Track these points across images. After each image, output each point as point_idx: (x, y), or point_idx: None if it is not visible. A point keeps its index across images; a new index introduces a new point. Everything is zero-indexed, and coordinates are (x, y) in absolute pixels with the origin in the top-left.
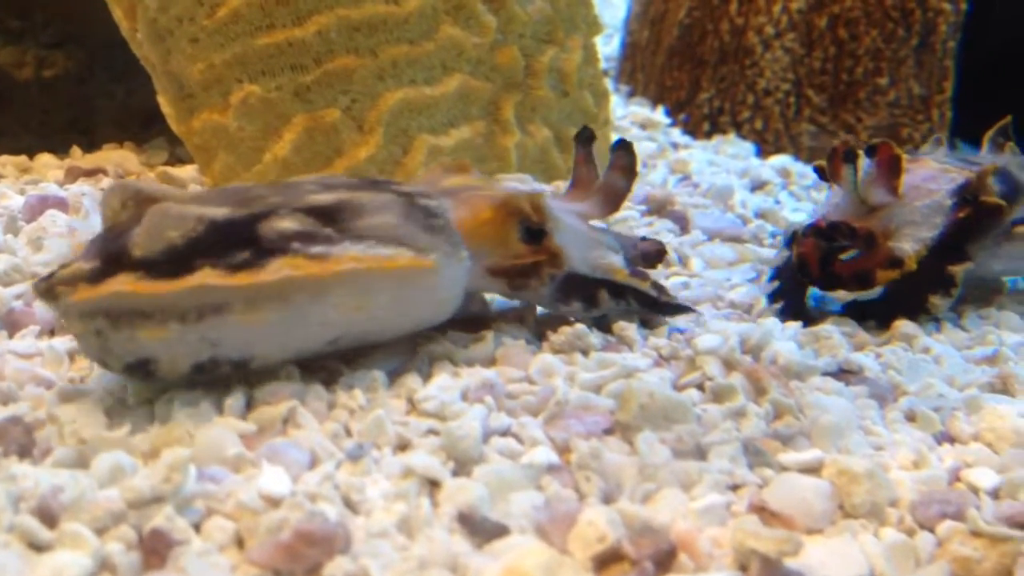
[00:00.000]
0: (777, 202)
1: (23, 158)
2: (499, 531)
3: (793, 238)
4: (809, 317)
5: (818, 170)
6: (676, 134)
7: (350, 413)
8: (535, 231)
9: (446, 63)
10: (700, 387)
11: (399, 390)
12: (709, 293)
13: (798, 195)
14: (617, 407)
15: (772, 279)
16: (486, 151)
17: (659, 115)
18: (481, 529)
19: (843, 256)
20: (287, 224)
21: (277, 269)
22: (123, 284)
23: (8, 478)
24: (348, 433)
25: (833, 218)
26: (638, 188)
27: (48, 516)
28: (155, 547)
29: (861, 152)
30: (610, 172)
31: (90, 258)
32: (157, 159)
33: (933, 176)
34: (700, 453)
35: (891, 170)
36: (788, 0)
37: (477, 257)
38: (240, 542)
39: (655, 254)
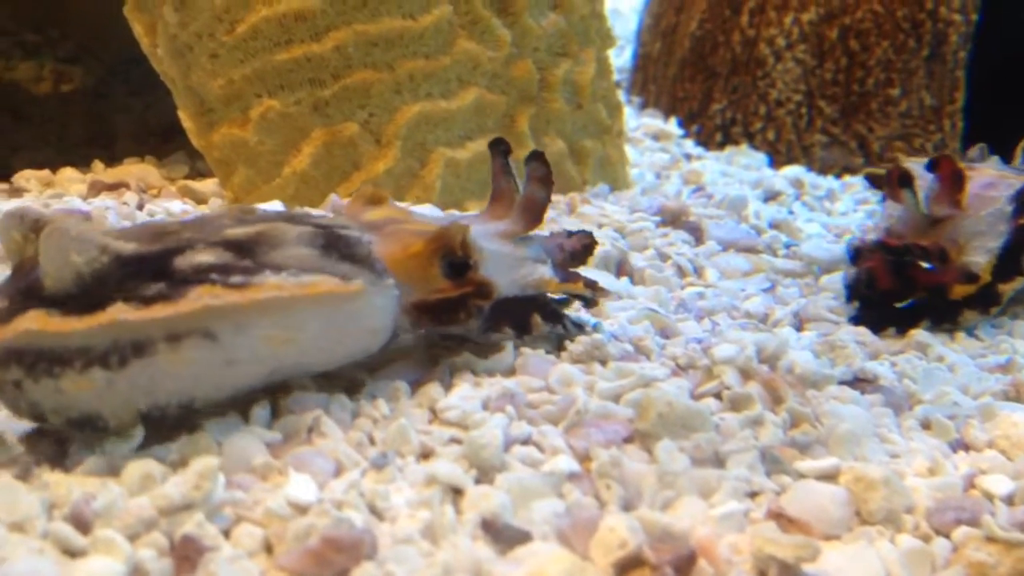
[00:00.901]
0: (790, 212)
1: (46, 172)
2: (522, 538)
3: (858, 254)
4: (904, 323)
5: (870, 179)
6: (689, 145)
7: (373, 422)
8: (458, 265)
9: (462, 77)
10: (718, 396)
11: (421, 400)
12: (724, 303)
13: (811, 205)
14: (636, 416)
15: (850, 300)
16: None
17: (672, 126)
18: (504, 536)
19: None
20: (203, 257)
21: (196, 298)
22: (33, 321)
23: (41, 486)
24: (372, 442)
25: (897, 231)
26: (652, 199)
27: (81, 523)
28: (186, 553)
29: (916, 173)
30: (528, 185)
31: (3, 294)
32: (177, 173)
33: (992, 183)
34: (718, 461)
35: (954, 184)
36: (799, 12)
37: (403, 293)
38: (269, 548)
39: (583, 250)
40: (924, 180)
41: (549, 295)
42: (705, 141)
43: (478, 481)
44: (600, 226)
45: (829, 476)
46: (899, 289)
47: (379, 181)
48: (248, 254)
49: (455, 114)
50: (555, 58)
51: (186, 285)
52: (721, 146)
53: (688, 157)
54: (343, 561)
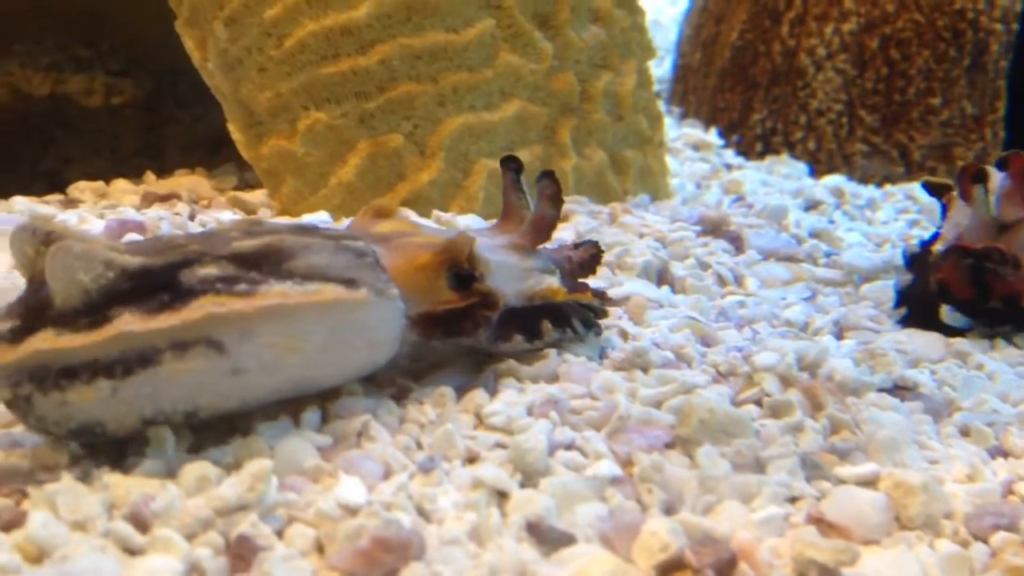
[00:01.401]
0: (831, 222)
1: (100, 183)
2: (566, 540)
3: (914, 260)
4: (951, 332)
5: (928, 187)
6: (729, 155)
7: (420, 427)
8: (464, 276)
9: (504, 89)
10: (758, 403)
11: (467, 405)
12: (765, 312)
13: (852, 215)
14: (677, 422)
15: (898, 305)
16: None
17: (712, 136)
18: (548, 538)
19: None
20: (209, 270)
21: (200, 306)
22: (42, 342)
23: (101, 487)
24: (419, 446)
25: (967, 238)
26: (693, 209)
27: (140, 522)
28: (241, 552)
29: (992, 171)
30: (539, 203)
31: (10, 316)
32: (227, 184)
33: None
34: (759, 466)
35: None
36: (840, 22)
37: (409, 305)
38: (320, 548)
39: (591, 260)
40: (991, 183)
41: (575, 302)
42: (745, 151)
43: (523, 485)
44: (641, 235)
45: (869, 482)
46: (977, 298)
47: (423, 191)
48: (255, 267)
49: (497, 126)
50: (596, 70)
51: (191, 295)
52: (761, 156)
53: (728, 167)
54: (392, 561)
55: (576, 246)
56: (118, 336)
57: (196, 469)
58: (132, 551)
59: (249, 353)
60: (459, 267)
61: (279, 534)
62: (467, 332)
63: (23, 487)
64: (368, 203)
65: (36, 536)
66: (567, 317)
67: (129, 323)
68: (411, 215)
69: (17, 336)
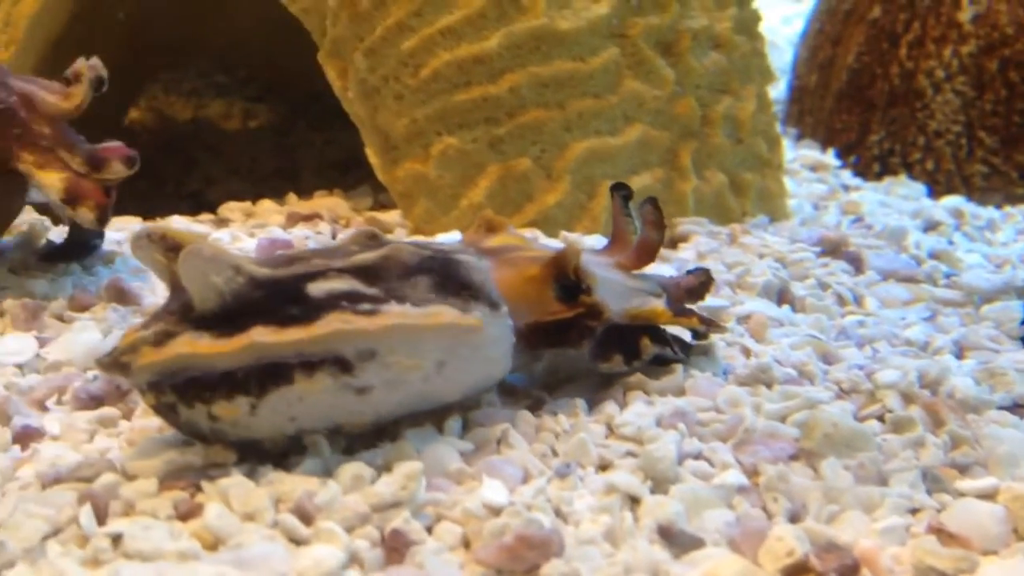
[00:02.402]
0: (950, 243)
1: (247, 203)
2: (695, 543)
3: None
4: None
5: None
6: (846, 176)
7: (555, 436)
8: (571, 287)
9: (628, 114)
10: (880, 418)
11: (598, 416)
12: (885, 331)
13: (972, 235)
14: (802, 435)
15: None
16: (665, 196)
17: (829, 157)
18: (679, 541)
19: None
20: (335, 284)
21: (328, 323)
22: (183, 346)
23: (267, 483)
24: (554, 453)
25: None
26: (812, 230)
27: (304, 515)
28: (395, 545)
29: None
30: (643, 227)
31: (156, 321)
32: (363, 204)
33: None
34: (881, 479)
35: None
36: (958, 44)
37: (517, 316)
38: (467, 544)
39: (700, 287)
40: None
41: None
42: (863, 172)
43: (653, 491)
44: (761, 256)
45: (988, 495)
46: None
47: (549, 213)
48: (375, 280)
49: (621, 150)
50: (716, 95)
51: (319, 310)
52: (879, 177)
53: (846, 188)
54: (534, 557)
55: (689, 272)
56: (251, 346)
57: (352, 469)
58: (297, 541)
59: (372, 371)
60: (566, 278)
61: (429, 530)
62: (572, 342)
63: (196, 482)
64: (479, 218)
65: (212, 525)
66: (667, 342)
67: (261, 334)
68: (538, 235)
69: (161, 339)
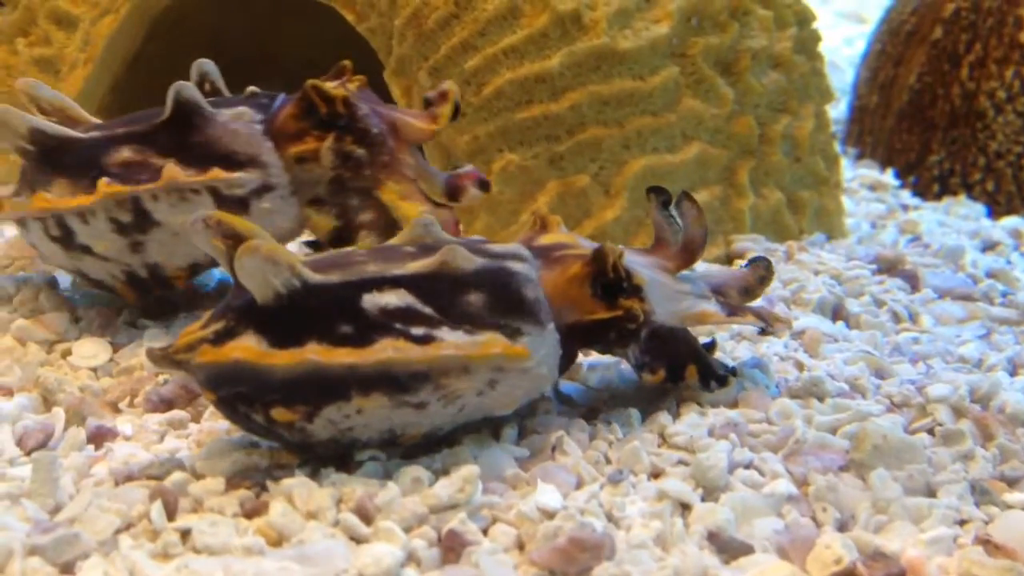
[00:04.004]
0: (1008, 263)
1: None
2: (745, 549)
3: None
4: None
5: None
6: (905, 196)
7: (609, 444)
8: (611, 286)
9: (686, 132)
10: (930, 432)
11: (651, 426)
12: (939, 348)
13: None
14: (852, 447)
15: None
16: (722, 213)
17: (888, 177)
18: (728, 547)
19: None
20: (390, 298)
21: (381, 349)
22: (243, 351)
23: (329, 483)
24: (607, 460)
25: None
26: (869, 248)
27: (365, 515)
28: (452, 545)
29: None
30: (686, 225)
31: (216, 319)
32: None
33: None
34: (930, 491)
35: None
36: (1020, 65)
37: (561, 316)
38: (521, 546)
39: (757, 283)
40: None
41: (710, 358)
42: (922, 192)
43: (704, 499)
44: (816, 273)
45: None
46: None
47: (607, 228)
48: (430, 295)
49: (679, 167)
50: (775, 114)
51: (372, 332)
52: (938, 197)
53: (904, 207)
54: (587, 559)
55: (744, 266)
56: (305, 362)
57: (411, 472)
58: (358, 539)
59: (427, 390)
60: (605, 277)
61: (484, 532)
62: (612, 344)
63: (262, 481)
64: (533, 215)
65: (276, 523)
66: (712, 370)
67: (315, 352)
68: None
69: (221, 339)
